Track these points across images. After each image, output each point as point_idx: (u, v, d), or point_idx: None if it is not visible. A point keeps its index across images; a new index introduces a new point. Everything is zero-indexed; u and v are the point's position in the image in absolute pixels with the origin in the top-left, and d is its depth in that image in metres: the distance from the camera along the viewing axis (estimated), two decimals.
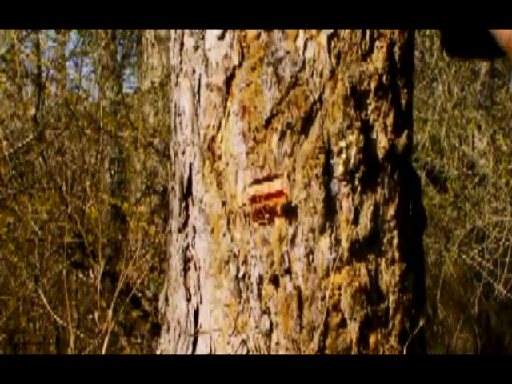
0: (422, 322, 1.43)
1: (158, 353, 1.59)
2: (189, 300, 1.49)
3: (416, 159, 3.51)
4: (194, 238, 1.49)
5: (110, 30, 4.36)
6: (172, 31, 1.56)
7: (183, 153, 1.52)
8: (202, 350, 1.45)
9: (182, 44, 1.51)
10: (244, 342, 1.40)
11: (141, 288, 3.15)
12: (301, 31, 1.39)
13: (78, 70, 3.96)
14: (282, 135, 1.39)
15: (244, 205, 1.41)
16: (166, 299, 1.58)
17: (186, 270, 1.50)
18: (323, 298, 1.38)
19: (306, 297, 1.39)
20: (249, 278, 1.41)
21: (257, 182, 1.41)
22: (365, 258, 1.41)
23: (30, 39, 3.37)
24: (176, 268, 1.53)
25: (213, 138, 1.45)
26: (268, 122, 1.40)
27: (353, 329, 1.39)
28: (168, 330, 1.55)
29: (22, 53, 3.23)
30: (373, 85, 1.41)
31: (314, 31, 1.39)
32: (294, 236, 1.40)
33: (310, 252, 1.39)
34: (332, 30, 1.40)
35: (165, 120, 3.81)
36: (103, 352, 1.59)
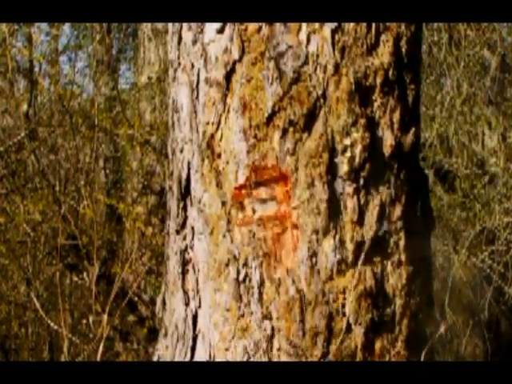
0: (441, 329, 1.40)
1: (154, 359, 1.56)
2: (187, 304, 1.47)
3: (423, 157, 3.49)
4: (192, 239, 1.47)
5: (105, 23, 4.31)
6: (170, 24, 1.54)
7: (181, 151, 1.50)
8: (201, 355, 1.43)
9: (180, 38, 1.49)
10: (244, 347, 1.37)
11: (137, 291, 3.13)
12: (303, 24, 1.37)
13: (71, 64, 3.92)
14: (284, 133, 1.37)
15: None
16: (164, 303, 1.57)
17: (184, 272, 1.48)
18: (327, 302, 1.36)
19: (308, 301, 1.36)
20: (249, 281, 1.39)
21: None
22: (370, 260, 1.39)
23: (21, 33, 3.33)
24: (174, 271, 1.51)
25: (212, 136, 1.43)
26: (269, 119, 1.38)
27: (358, 334, 1.37)
28: (165, 335, 1.53)
29: (14, 47, 3.19)
30: (379, 80, 1.39)
31: (317, 25, 1.37)
32: (297, 237, 1.37)
33: (314, 254, 1.37)
34: (336, 24, 1.37)
35: (162, 117, 3.79)
36: (98, 358, 1.57)
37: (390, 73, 1.39)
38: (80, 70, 4.24)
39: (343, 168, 1.37)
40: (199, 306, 1.44)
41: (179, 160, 1.50)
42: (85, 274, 2.89)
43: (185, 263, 1.48)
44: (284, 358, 1.36)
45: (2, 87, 3.33)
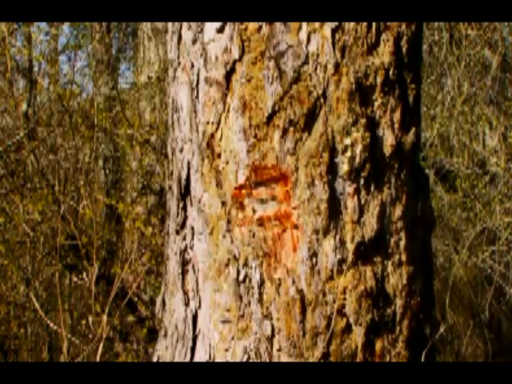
0: (442, 328, 1.39)
1: (154, 359, 1.55)
2: (187, 304, 1.46)
3: (424, 157, 3.48)
4: (192, 239, 1.46)
5: (105, 22, 4.30)
6: (169, 24, 1.54)
7: (181, 150, 1.49)
8: (201, 356, 1.42)
9: (179, 37, 1.49)
10: (244, 348, 1.36)
11: (137, 292, 3.11)
12: (304, 24, 1.36)
13: (71, 64, 3.90)
14: (284, 132, 1.37)
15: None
16: (163, 303, 1.56)
17: (184, 272, 1.48)
18: (327, 303, 1.35)
19: (309, 301, 1.36)
20: (249, 281, 1.38)
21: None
22: (371, 260, 1.38)
23: (21, 32, 3.32)
24: (174, 271, 1.50)
25: (212, 135, 1.42)
26: (269, 119, 1.37)
27: (358, 334, 1.36)
28: (165, 335, 1.52)
29: (13, 46, 3.18)
30: (379, 79, 1.38)
31: (317, 24, 1.37)
32: (297, 237, 1.35)
33: (314, 254, 1.36)
34: (336, 23, 1.37)
35: (162, 116, 3.77)
36: (97, 359, 1.56)
37: (391, 72, 1.38)
38: (79, 70, 4.23)
39: (343, 168, 1.36)
40: (199, 307, 1.44)
41: (179, 160, 1.49)
42: (84, 275, 2.88)
43: (184, 263, 1.47)
44: (284, 358, 1.35)
45: (1, 87, 3.32)
